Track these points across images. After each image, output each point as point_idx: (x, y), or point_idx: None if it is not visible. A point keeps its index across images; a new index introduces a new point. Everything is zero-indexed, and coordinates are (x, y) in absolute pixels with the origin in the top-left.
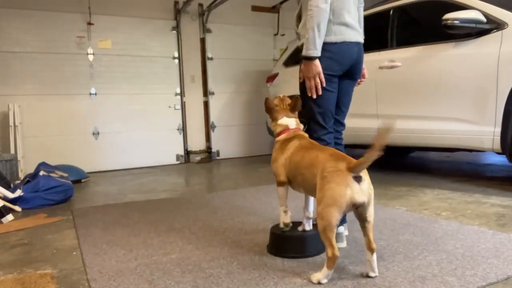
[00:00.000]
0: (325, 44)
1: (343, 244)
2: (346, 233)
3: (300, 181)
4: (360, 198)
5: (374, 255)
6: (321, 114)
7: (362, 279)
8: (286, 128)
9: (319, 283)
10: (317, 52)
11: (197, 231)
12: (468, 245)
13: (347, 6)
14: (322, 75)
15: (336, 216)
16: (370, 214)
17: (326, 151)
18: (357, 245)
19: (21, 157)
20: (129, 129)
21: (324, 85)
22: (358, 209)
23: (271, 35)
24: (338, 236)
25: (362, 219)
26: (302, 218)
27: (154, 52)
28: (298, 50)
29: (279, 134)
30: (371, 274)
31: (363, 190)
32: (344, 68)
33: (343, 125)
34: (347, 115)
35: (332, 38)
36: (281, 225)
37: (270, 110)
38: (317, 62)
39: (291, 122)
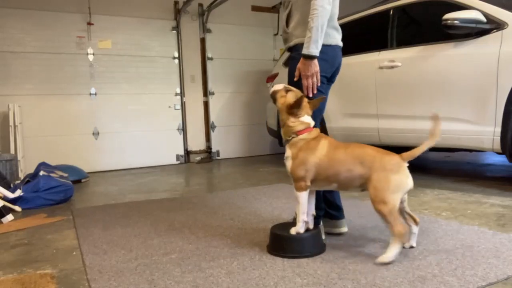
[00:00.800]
0: (321, 46)
1: (346, 229)
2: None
3: (343, 178)
4: (412, 182)
5: (417, 228)
6: (314, 115)
7: (362, 279)
8: (308, 127)
9: (384, 263)
10: (318, 52)
11: (197, 231)
12: (468, 245)
13: (336, 11)
14: (319, 75)
15: (399, 201)
16: (406, 195)
17: (369, 147)
18: (356, 245)
19: (21, 157)
20: (129, 129)
21: (319, 84)
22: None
23: (271, 35)
24: (342, 222)
25: (402, 201)
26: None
27: (154, 52)
28: (290, 49)
29: (299, 132)
30: (413, 244)
31: (411, 177)
32: (332, 71)
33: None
34: (347, 115)
35: (328, 41)
36: (293, 233)
37: (298, 105)
38: (316, 61)
39: (311, 120)
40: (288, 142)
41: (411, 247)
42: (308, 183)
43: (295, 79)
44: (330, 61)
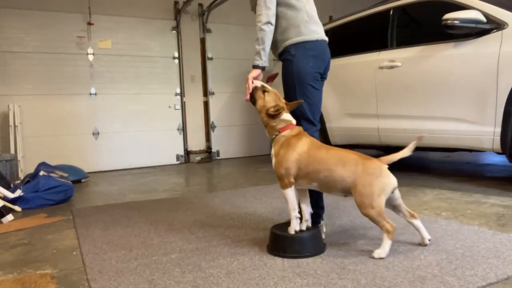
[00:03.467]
0: (306, 43)
1: (323, 235)
2: (324, 229)
3: (323, 177)
4: (395, 181)
5: (419, 221)
6: (312, 112)
7: (362, 279)
8: (290, 124)
9: (380, 258)
10: (262, 63)
11: (197, 231)
12: (468, 245)
13: (314, 7)
14: (250, 82)
15: (384, 202)
16: (398, 192)
17: (352, 151)
18: (356, 245)
19: (21, 157)
20: (129, 129)
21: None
22: (394, 192)
23: None
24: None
25: (395, 199)
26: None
27: (154, 52)
28: (280, 54)
29: (281, 130)
30: (426, 241)
31: (393, 176)
32: (324, 66)
33: (318, 125)
34: (347, 115)
35: (314, 36)
36: (291, 232)
37: (277, 115)
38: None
39: (292, 118)
40: (273, 140)
41: (425, 245)
42: (292, 180)
43: (283, 86)
44: (320, 57)
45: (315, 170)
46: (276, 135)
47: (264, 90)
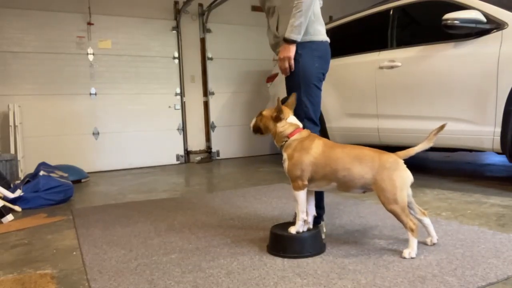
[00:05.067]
0: (313, 43)
1: (323, 235)
2: (324, 229)
3: (341, 176)
4: (412, 176)
5: (428, 219)
6: (314, 112)
7: (362, 279)
8: (297, 127)
9: (412, 258)
10: (299, 38)
11: (197, 231)
12: (468, 245)
13: (319, 8)
14: (292, 61)
15: (406, 197)
16: (410, 189)
17: (366, 148)
18: (356, 245)
19: (21, 157)
20: (129, 129)
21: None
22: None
23: None
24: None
25: (408, 195)
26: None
27: (154, 52)
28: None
29: (290, 135)
30: (434, 240)
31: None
32: (328, 66)
33: (319, 124)
34: (347, 115)
35: (319, 37)
36: (293, 232)
37: (279, 110)
38: (294, 46)
39: (299, 122)
40: (283, 147)
41: (433, 243)
42: (305, 182)
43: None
44: (324, 57)
45: (333, 170)
46: (286, 141)
47: (259, 116)
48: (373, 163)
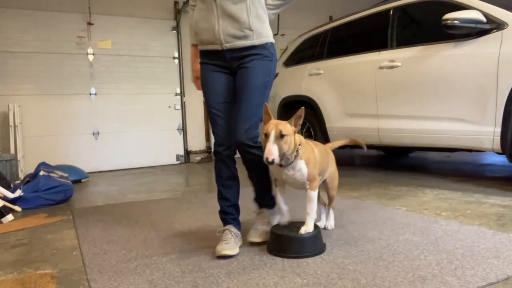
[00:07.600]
0: (273, 44)
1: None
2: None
3: (323, 170)
4: None
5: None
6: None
7: (362, 279)
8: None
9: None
10: None
11: (197, 231)
12: (468, 245)
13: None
14: None
15: None
16: None
17: (315, 142)
18: (356, 245)
19: (21, 157)
20: (129, 129)
21: None
22: None
23: None
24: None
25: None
26: (302, 218)
27: (154, 52)
28: (254, 47)
29: (300, 143)
30: (329, 226)
31: None
32: None
33: None
34: (347, 115)
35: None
36: (302, 232)
37: (299, 117)
38: None
39: None
40: (296, 157)
41: (325, 228)
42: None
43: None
44: None
45: (324, 167)
46: (299, 149)
47: (281, 135)
48: (330, 154)
